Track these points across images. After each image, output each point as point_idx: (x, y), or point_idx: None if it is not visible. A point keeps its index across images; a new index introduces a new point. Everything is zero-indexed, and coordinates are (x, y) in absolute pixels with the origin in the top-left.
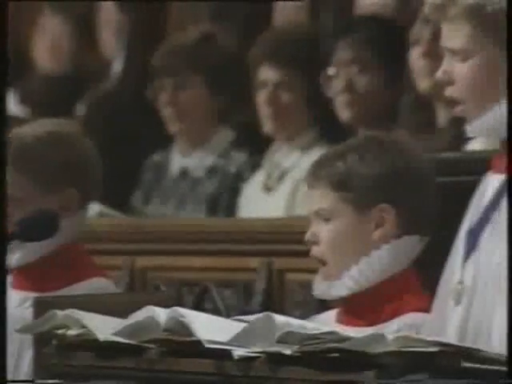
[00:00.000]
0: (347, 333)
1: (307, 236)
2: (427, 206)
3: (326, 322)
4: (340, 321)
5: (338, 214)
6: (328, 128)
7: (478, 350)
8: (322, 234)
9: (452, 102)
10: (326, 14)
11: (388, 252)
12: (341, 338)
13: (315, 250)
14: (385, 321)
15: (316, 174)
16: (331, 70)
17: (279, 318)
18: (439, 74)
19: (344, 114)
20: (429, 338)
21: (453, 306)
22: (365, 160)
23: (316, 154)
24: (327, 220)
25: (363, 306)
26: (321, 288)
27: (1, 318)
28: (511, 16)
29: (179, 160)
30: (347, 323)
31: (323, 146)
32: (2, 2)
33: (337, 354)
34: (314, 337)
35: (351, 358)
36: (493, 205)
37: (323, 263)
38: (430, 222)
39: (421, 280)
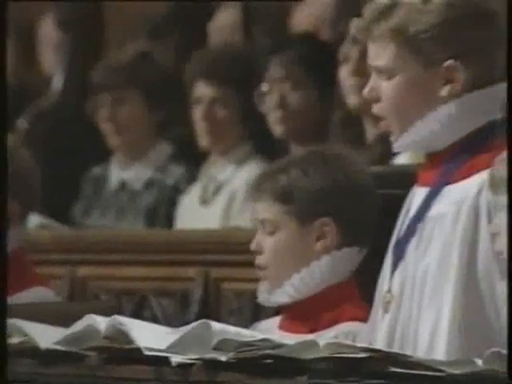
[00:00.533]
0: (283, 340)
1: (252, 246)
2: (367, 218)
3: (269, 329)
4: (282, 327)
5: (282, 225)
6: (262, 142)
7: (405, 356)
8: (266, 244)
9: (379, 118)
10: (260, 32)
11: (328, 262)
12: (275, 344)
13: (259, 259)
14: (324, 328)
15: (260, 186)
16: (265, 87)
17: (215, 326)
18: (366, 91)
19: (277, 129)
20: (358, 345)
21: (382, 315)
22: (307, 174)
23: (250, 167)
24: (271, 231)
25: (304, 313)
26: (264, 295)
27: (1, 318)
28: (511, 16)
29: (118, 173)
30: (289, 330)
31: (257, 159)
32: (2, 2)
33: (271, 360)
34: (249, 344)
35: (285, 364)
36: (418, 216)
37: (266, 272)
38: (369, 234)
39: (361, 290)
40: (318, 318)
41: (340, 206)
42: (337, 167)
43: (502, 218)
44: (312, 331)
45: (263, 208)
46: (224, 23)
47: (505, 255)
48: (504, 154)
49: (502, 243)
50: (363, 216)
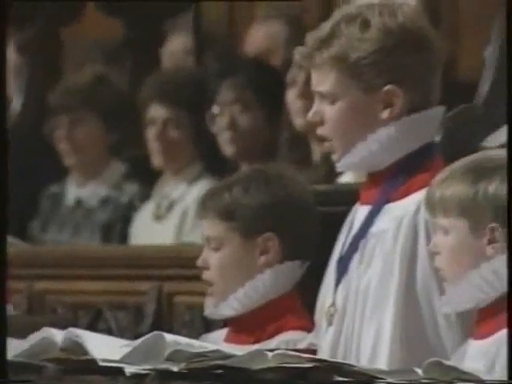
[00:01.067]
0: (232, 350)
1: (198, 262)
2: (308, 233)
3: (216, 341)
4: (228, 339)
5: (226, 242)
6: (213, 162)
7: (350, 365)
8: (212, 260)
9: (323, 140)
10: (211, 57)
11: (271, 276)
12: (225, 355)
13: (206, 275)
14: (267, 339)
15: (205, 205)
16: (215, 109)
17: (168, 337)
18: (310, 115)
19: (227, 149)
20: (304, 355)
21: (326, 327)
22: (248, 191)
23: (201, 185)
24: (216, 247)
25: (248, 325)
26: (211, 309)
27: (1, 318)
28: (511, 16)
29: (74, 191)
30: (234, 341)
31: (208, 178)
32: (2, 2)
33: (221, 371)
34: (200, 354)
35: (234, 374)
36: (360, 233)
37: (213, 287)
38: (311, 249)
39: (304, 301)
40: (262, 329)
41: (281, 221)
42: (278, 185)
43: (440, 238)
44: (256, 342)
45: (208, 225)
46: (176, 48)
47: (443, 272)
48: (441, 175)
49: (442, 261)
50: (304, 231)
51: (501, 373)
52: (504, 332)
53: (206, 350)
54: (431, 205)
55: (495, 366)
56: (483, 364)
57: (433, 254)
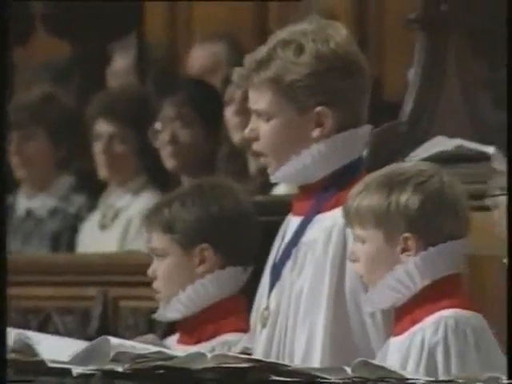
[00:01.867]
0: (173, 352)
1: (148, 272)
2: (248, 241)
3: (172, 343)
4: (179, 341)
5: (168, 252)
6: (155, 174)
7: (284, 365)
8: (159, 270)
9: (258, 155)
10: (154, 76)
11: (211, 280)
12: (167, 356)
13: (155, 284)
14: (207, 340)
15: (150, 219)
16: (158, 125)
17: (114, 340)
18: (246, 131)
19: (169, 162)
20: (242, 356)
21: (261, 329)
22: (185, 206)
23: (145, 196)
24: (161, 258)
25: (192, 327)
26: (160, 313)
27: (1, 318)
28: (511, 16)
29: (24, 202)
30: (183, 343)
31: (151, 190)
32: (2, 1)
33: (163, 371)
34: (144, 356)
35: (176, 374)
36: (292, 242)
37: (161, 294)
38: (252, 255)
39: (250, 304)
40: (203, 330)
41: (216, 232)
42: (212, 198)
43: (358, 247)
44: (197, 343)
45: (153, 237)
46: (120, 68)
47: (363, 278)
48: (356, 188)
49: (361, 268)
50: (243, 239)
51: (413, 365)
52: (416, 327)
53: (148, 351)
54: (349, 216)
55: (408, 360)
56: (397, 359)
57: (354, 263)
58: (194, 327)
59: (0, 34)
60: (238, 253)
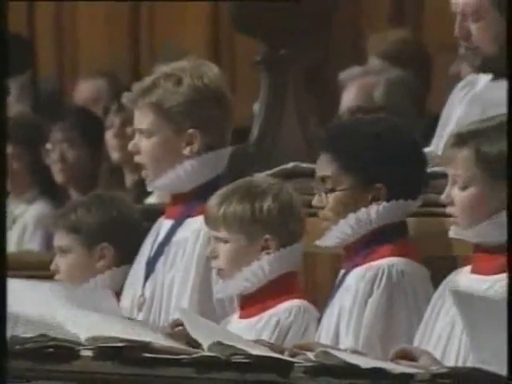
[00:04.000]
0: (57, 335)
1: (51, 266)
2: (135, 241)
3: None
4: None
5: (72, 250)
6: (47, 187)
7: (153, 343)
8: (62, 265)
9: (139, 168)
10: (46, 105)
11: (109, 276)
12: (50, 338)
13: (57, 276)
14: None
15: (57, 221)
16: (49, 146)
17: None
18: (130, 146)
19: (58, 177)
20: (120, 336)
21: (137, 313)
22: (90, 211)
23: (37, 205)
24: (64, 254)
25: None
26: None
27: (1, 318)
28: (511, 16)
29: None
30: None
31: (43, 200)
32: (2, 2)
33: (53, 350)
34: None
35: (63, 351)
36: (165, 241)
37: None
38: (136, 254)
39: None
40: None
41: (115, 234)
42: (111, 206)
43: (220, 246)
44: None
45: (59, 237)
46: (16, 97)
47: (221, 271)
48: (218, 198)
49: (220, 263)
50: (133, 240)
51: (266, 338)
52: (270, 312)
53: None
54: (213, 221)
55: (261, 337)
56: (250, 337)
57: (213, 258)
58: None
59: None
60: (131, 251)
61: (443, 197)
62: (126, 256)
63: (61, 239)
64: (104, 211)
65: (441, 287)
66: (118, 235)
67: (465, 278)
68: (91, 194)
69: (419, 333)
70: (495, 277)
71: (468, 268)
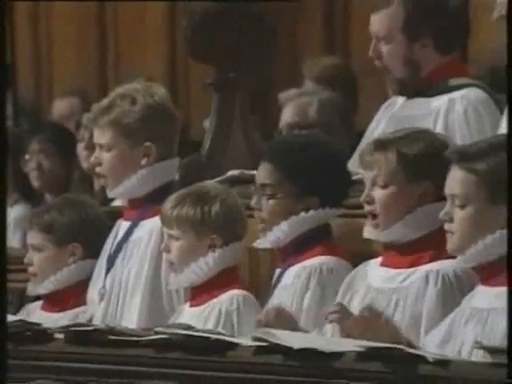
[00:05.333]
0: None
1: (25, 260)
2: (100, 240)
3: (33, 309)
4: (43, 308)
5: (44, 248)
6: (25, 192)
7: (116, 327)
8: (35, 260)
9: (100, 176)
10: (25, 121)
11: (76, 268)
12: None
13: (30, 269)
14: (70, 309)
15: (31, 221)
16: (27, 156)
17: None
18: (92, 159)
19: (35, 183)
20: (87, 322)
21: (99, 302)
22: (62, 213)
23: (17, 208)
24: (37, 252)
25: (58, 299)
26: (31, 289)
27: (1, 318)
28: (511, 16)
29: None
30: (47, 310)
31: (22, 203)
32: (2, 2)
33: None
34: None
35: (36, 334)
36: (123, 240)
37: (36, 278)
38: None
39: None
40: (67, 301)
41: (84, 233)
42: (81, 208)
43: (171, 242)
44: (62, 311)
45: (32, 236)
46: None
47: (174, 265)
48: (172, 201)
49: (172, 258)
50: (99, 238)
51: (212, 326)
52: (215, 301)
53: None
54: (168, 221)
55: (207, 323)
56: (197, 323)
57: (165, 253)
58: (59, 299)
59: None
60: (97, 248)
61: (363, 197)
62: (92, 252)
63: (34, 238)
64: (74, 213)
65: (353, 272)
66: (86, 235)
67: (374, 270)
68: (62, 197)
69: None
70: (402, 270)
71: (377, 260)
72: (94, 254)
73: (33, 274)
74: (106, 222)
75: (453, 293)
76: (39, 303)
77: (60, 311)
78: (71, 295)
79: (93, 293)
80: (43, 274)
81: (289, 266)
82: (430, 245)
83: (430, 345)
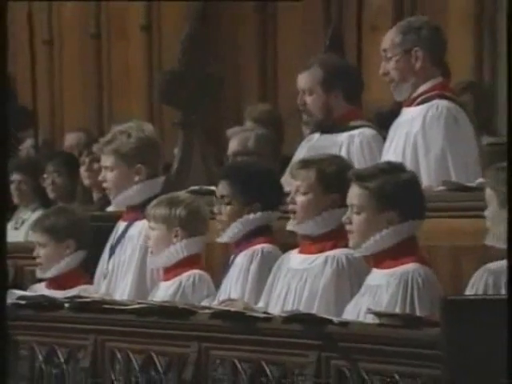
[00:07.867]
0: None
1: (34, 253)
2: (90, 240)
3: (40, 287)
4: (47, 287)
5: (47, 244)
6: (44, 201)
7: (111, 299)
8: (41, 253)
9: (104, 190)
10: (42, 149)
11: (71, 259)
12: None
13: (38, 259)
14: (70, 288)
15: (36, 225)
16: (45, 175)
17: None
18: (100, 177)
19: (51, 195)
20: (68, 295)
21: (103, 280)
22: (58, 217)
23: (38, 212)
24: (43, 247)
25: (61, 282)
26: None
27: (1, 318)
28: (511, 15)
29: None
30: (52, 288)
31: (42, 209)
32: (2, 1)
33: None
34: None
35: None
36: (122, 235)
37: (41, 265)
38: (92, 246)
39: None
40: (71, 284)
41: (76, 232)
42: (71, 214)
43: (150, 233)
44: (63, 289)
45: (37, 236)
46: (26, 147)
47: (153, 251)
48: (154, 203)
49: (151, 245)
50: (86, 236)
51: (173, 293)
52: (178, 278)
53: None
54: (149, 216)
55: (169, 291)
56: (167, 294)
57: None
58: (62, 282)
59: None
60: (85, 243)
61: (289, 198)
62: (81, 245)
63: (39, 237)
64: (67, 217)
65: (281, 257)
66: (76, 233)
67: (294, 256)
68: (56, 207)
69: (266, 290)
70: (312, 255)
71: (297, 249)
72: (83, 246)
73: (40, 264)
74: (89, 223)
75: (344, 272)
76: (42, 284)
77: (61, 289)
78: (68, 278)
79: (99, 272)
80: (47, 264)
81: (240, 251)
82: (333, 238)
83: (346, 313)
